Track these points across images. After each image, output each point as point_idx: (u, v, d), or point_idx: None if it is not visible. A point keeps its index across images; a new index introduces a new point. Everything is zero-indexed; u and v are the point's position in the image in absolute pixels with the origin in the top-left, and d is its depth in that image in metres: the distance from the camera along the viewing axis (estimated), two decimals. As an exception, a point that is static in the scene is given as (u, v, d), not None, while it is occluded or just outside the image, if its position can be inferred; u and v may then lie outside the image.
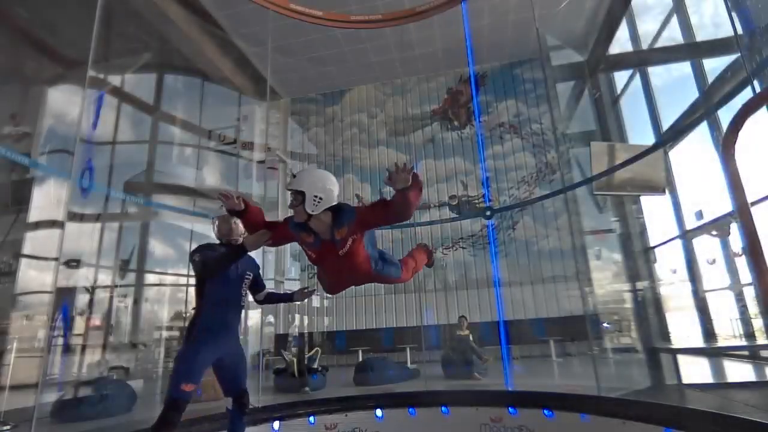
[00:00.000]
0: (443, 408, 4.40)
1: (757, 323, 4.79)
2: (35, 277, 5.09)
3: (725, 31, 3.68)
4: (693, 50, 5.23)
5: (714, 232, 5.14)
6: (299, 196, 2.15)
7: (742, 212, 1.30)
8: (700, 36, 5.07)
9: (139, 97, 7.65)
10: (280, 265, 9.58)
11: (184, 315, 8.40)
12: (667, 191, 5.06)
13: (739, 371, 4.98)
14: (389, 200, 2.10)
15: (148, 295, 7.16)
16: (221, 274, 2.57)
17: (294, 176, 2.21)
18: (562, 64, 7.12)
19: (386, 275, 2.46)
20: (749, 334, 4.95)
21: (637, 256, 6.03)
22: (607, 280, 6.84)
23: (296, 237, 2.32)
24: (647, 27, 6.29)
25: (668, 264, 6.17)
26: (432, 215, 9.34)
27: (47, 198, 4.73)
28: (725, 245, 5.11)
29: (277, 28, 7.10)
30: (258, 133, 9.82)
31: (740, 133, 1.28)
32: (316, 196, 2.14)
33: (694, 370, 5.01)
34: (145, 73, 7.88)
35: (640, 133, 6.39)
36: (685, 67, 5.57)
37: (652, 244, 6.14)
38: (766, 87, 3.07)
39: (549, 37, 6.50)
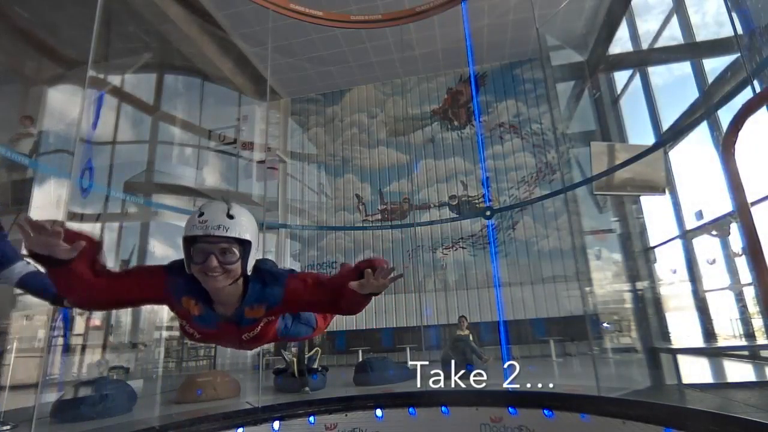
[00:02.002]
0: (443, 408, 4.41)
1: (757, 323, 4.79)
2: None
3: (728, 30, 3.68)
4: (693, 50, 5.23)
5: (714, 232, 5.14)
6: (238, 248, 1.33)
7: (742, 212, 1.30)
8: (703, 35, 5.07)
9: (139, 97, 7.66)
10: (280, 262, 9.57)
11: (184, 315, 8.39)
12: (667, 191, 5.06)
13: (739, 371, 4.98)
14: (342, 292, 1.43)
15: (148, 295, 7.15)
16: None
17: (231, 215, 1.32)
18: (562, 64, 7.12)
19: (294, 335, 1.90)
20: (749, 334, 4.95)
21: (637, 256, 6.02)
22: (607, 280, 6.84)
23: (171, 303, 1.46)
24: (647, 27, 6.29)
25: (668, 264, 6.17)
26: (432, 215, 9.35)
27: (47, 198, 4.73)
28: (725, 245, 5.11)
29: (277, 28, 7.10)
30: (258, 133, 9.83)
31: (740, 133, 1.28)
32: (256, 248, 1.41)
33: (694, 370, 5.00)
34: (145, 73, 7.89)
35: (640, 133, 6.39)
36: (685, 67, 5.57)
37: (652, 244, 6.14)
38: (766, 87, 3.07)
39: (549, 37, 6.50)
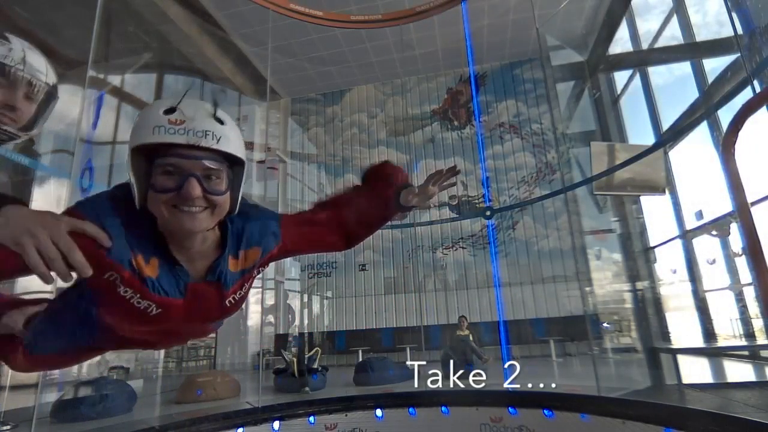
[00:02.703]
0: (443, 408, 4.41)
1: (757, 323, 4.79)
2: (35, 278, 5.08)
3: (728, 30, 3.69)
4: (693, 50, 5.23)
5: (714, 232, 5.15)
6: (227, 171, 0.87)
7: (742, 212, 1.30)
8: (703, 35, 5.08)
9: (139, 97, 7.66)
10: (280, 263, 9.58)
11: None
12: (667, 191, 5.06)
13: (739, 371, 4.98)
14: (358, 214, 1.18)
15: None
16: None
17: (219, 119, 0.85)
18: (562, 64, 7.12)
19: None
20: (749, 334, 4.96)
21: (637, 256, 6.03)
22: (607, 280, 6.84)
23: (101, 266, 0.81)
24: (647, 27, 6.30)
25: (668, 264, 6.17)
26: (432, 215, 9.34)
27: (47, 198, 4.73)
28: (725, 245, 5.11)
29: (277, 28, 7.10)
30: (258, 133, 9.83)
31: (740, 133, 1.28)
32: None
33: (694, 370, 5.01)
34: (145, 73, 7.89)
35: (640, 133, 6.40)
36: (685, 67, 5.57)
37: (652, 244, 6.14)
38: (766, 87, 3.07)
39: (549, 37, 6.49)
